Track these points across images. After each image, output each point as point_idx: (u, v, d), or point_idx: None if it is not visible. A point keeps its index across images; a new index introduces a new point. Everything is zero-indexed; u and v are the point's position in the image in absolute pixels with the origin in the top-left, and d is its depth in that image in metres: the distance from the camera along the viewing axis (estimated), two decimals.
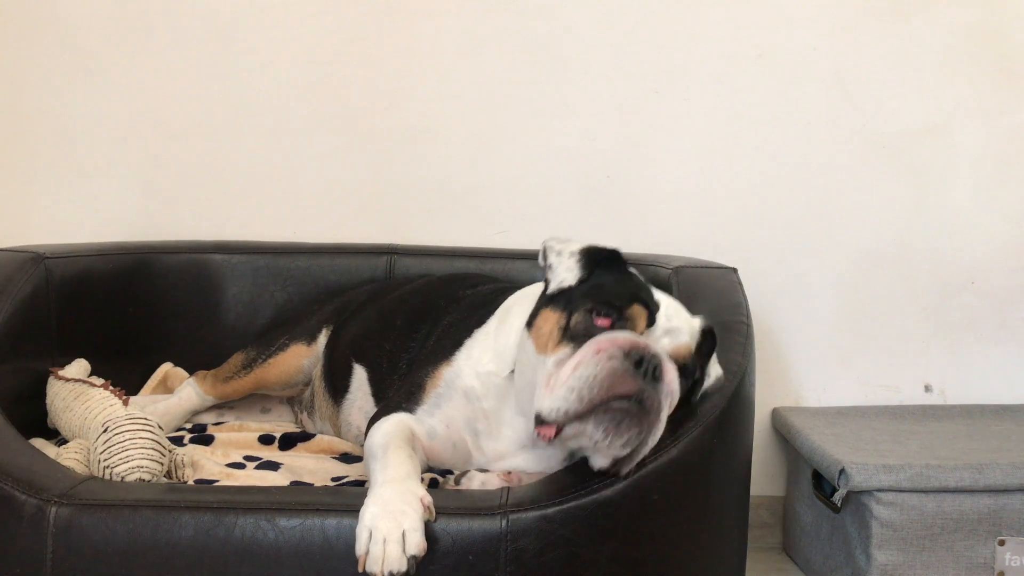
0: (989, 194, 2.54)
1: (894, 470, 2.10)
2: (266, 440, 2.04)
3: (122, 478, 1.63)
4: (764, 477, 2.55)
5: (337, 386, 2.04)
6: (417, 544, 1.36)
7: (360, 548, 1.36)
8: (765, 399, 2.51)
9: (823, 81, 2.49)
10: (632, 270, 1.66)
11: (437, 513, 1.42)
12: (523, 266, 2.30)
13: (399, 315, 2.00)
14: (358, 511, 1.39)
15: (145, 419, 1.70)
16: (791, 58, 2.49)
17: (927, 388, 2.58)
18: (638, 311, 1.55)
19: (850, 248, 2.54)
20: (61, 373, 1.98)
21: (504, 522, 1.42)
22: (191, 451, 1.90)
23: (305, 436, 2.05)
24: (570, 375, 1.46)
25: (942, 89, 2.50)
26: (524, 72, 2.48)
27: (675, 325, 1.58)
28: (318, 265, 2.36)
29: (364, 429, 1.97)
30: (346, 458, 1.98)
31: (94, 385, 1.91)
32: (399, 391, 1.77)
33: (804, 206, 2.52)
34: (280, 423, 2.21)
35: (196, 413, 2.18)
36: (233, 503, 1.44)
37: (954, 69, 2.50)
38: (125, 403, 1.85)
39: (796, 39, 2.48)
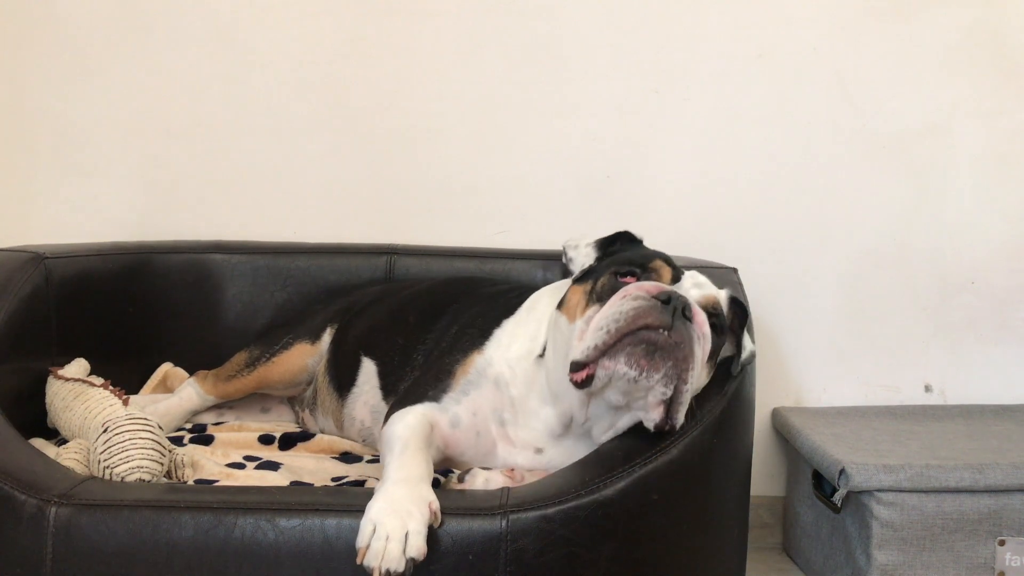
0: (989, 194, 2.54)
1: (894, 470, 2.10)
2: (266, 440, 2.04)
3: (122, 478, 1.63)
4: (764, 477, 2.55)
5: (343, 380, 2.05)
6: (418, 548, 1.36)
7: (362, 540, 1.36)
8: (765, 399, 2.51)
9: (823, 81, 2.49)
10: (644, 243, 1.76)
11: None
12: (523, 266, 2.30)
13: (412, 312, 2.01)
14: (358, 511, 1.39)
15: (145, 419, 1.70)
16: (791, 58, 2.49)
17: (927, 388, 2.58)
18: (660, 264, 1.63)
19: (850, 248, 2.54)
20: (61, 373, 1.98)
21: (504, 522, 1.42)
22: (191, 451, 1.90)
23: (305, 436, 2.05)
24: (599, 318, 1.50)
25: (942, 89, 2.50)
26: (524, 72, 2.48)
27: (703, 281, 1.64)
28: (318, 265, 2.36)
29: (368, 424, 1.99)
30: (346, 458, 1.98)
31: (94, 385, 1.91)
32: (425, 378, 1.78)
33: (804, 206, 2.52)
34: (280, 423, 2.21)
35: (196, 413, 2.18)
36: (233, 503, 1.44)
37: (954, 69, 2.50)
38: (125, 403, 1.85)
39: (796, 39, 2.48)
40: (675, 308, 1.48)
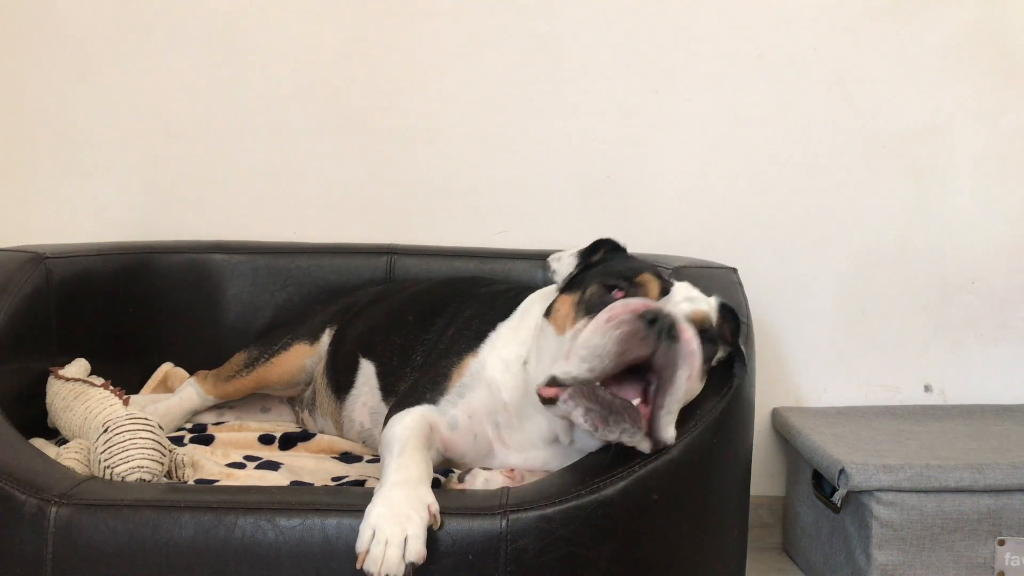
0: (989, 194, 2.54)
1: (894, 470, 2.10)
2: (266, 440, 2.04)
3: (122, 478, 1.63)
4: (764, 477, 2.55)
5: (341, 382, 2.04)
6: (417, 552, 1.36)
7: (361, 545, 1.36)
8: (765, 399, 2.51)
9: (823, 81, 2.49)
10: (627, 251, 1.74)
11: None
12: (523, 266, 2.30)
13: (410, 312, 2.01)
14: (358, 511, 1.39)
15: (145, 419, 1.70)
16: (791, 58, 2.49)
17: (927, 388, 2.58)
18: (648, 278, 1.59)
19: (850, 248, 2.54)
20: (61, 373, 1.98)
21: (504, 522, 1.42)
22: (191, 451, 1.90)
23: (305, 436, 2.05)
24: (585, 338, 1.47)
25: (942, 89, 2.50)
26: (524, 72, 2.48)
27: (693, 295, 1.61)
28: (318, 265, 2.36)
29: (367, 426, 1.98)
30: (346, 458, 1.98)
31: (94, 385, 1.91)
32: (423, 380, 1.77)
33: (804, 206, 2.52)
34: (280, 423, 2.21)
35: (196, 413, 2.18)
36: (233, 503, 1.44)
37: (954, 69, 2.50)
38: (125, 403, 1.85)
39: (796, 39, 2.48)
40: (660, 330, 1.45)
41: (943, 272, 2.55)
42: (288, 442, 2.03)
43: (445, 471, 1.71)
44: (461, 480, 1.64)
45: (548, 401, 1.49)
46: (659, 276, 1.61)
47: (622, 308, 1.48)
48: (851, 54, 2.49)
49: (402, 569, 1.35)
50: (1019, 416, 2.48)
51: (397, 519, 1.37)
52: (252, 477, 1.84)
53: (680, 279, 1.66)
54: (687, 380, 1.49)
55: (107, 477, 1.64)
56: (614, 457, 1.51)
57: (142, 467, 1.64)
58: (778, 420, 2.51)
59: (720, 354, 1.68)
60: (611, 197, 2.51)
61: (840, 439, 2.28)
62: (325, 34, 2.47)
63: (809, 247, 2.53)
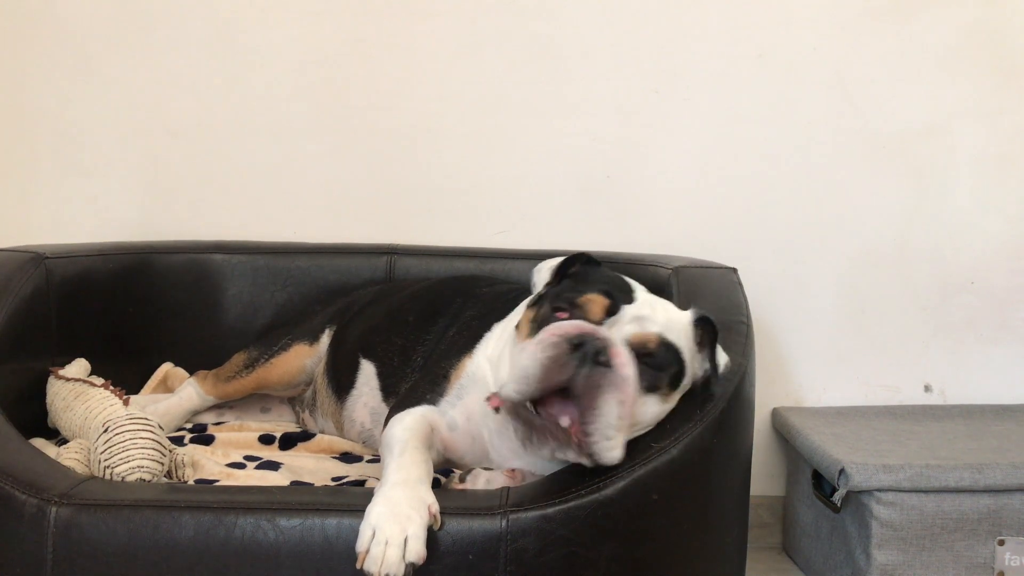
0: (989, 194, 2.54)
1: (894, 470, 2.10)
2: (266, 440, 2.04)
3: (122, 478, 1.63)
4: (764, 477, 2.55)
5: (342, 383, 2.04)
6: (417, 552, 1.37)
7: (361, 545, 1.36)
8: (765, 399, 2.51)
9: (823, 81, 2.49)
10: (603, 267, 1.69)
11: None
12: (523, 266, 2.30)
13: (411, 312, 2.01)
14: (358, 511, 1.40)
15: (145, 419, 1.70)
16: (791, 58, 2.49)
17: (927, 388, 2.58)
18: (590, 299, 1.56)
19: (850, 248, 2.54)
20: (61, 373, 1.98)
21: (504, 522, 1.42)
22: (191, 451, 1.90)
23: (305, 436, 2.05)
24: (515, 363, 1.51)
25: (942, 89, 2.50)
26: (524, 72, 2.48)
27: (645, 314, 1.56)
28: (318, 265, 2.36)
29: (368, 426, 1.98)
30: (346, 458, 1.98)
31: (94, 385, 1.91)
32: (423, 381, 1.78)
33: (804, 206, 2.52)
34: (280, 423, 2.21)
35: (196, 413, 2.18)
36: (233, 503, 1.44)
37: (954, 69, 2.50)
38: (125, 403, 1.85)
39: (796, 39, 2.48)
40: (585, 355, 1.45)
41: (943, 272, 2.55)
42: (288, 442, 2.03)
43: (446, 471, 1.71)
44: (463, 480, 1.64)
45: (496, 410, 1.52)
46: (609, 295, 1.57)
47: (552, 331, 1.48)
48: (851, 54, 2.49)
49: (402, 569, 1.35)
50: (1019, 416, 2.48)
51: (397, 519, 1.37)
52: (252, 477, 1.84)
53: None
54: (619, 405, 1.46)
55: (107, 477, 1.64)
56: None
57: (142, 467, 1.64)
58: (778, 420, 2.52)
59: (697, 370, 1.65)
60: (611, 197, 2.51)
61: (840, 439, 2.28)
62: (325, 34, 2.47)
63: (809, 247, 2.53)
